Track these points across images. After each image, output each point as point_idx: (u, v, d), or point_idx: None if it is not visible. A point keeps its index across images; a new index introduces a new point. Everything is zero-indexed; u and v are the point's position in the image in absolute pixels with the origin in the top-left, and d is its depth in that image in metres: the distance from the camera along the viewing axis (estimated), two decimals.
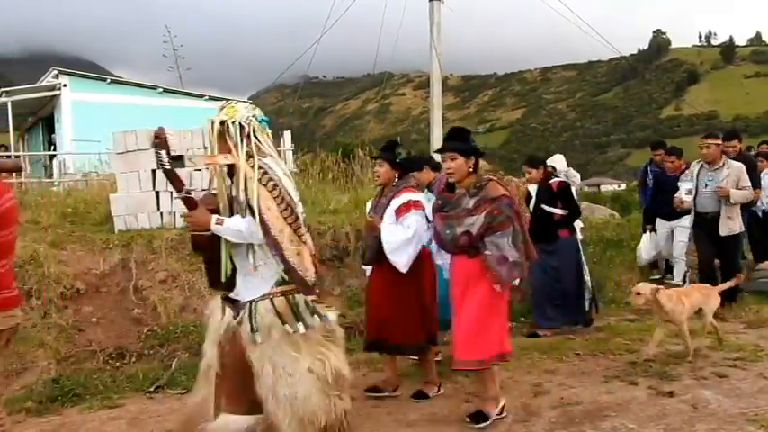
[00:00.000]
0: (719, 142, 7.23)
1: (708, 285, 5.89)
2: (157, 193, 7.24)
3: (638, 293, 5.27)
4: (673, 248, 8.45)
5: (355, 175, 10.53)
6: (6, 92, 17.69)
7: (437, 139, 11.07)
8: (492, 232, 3.96)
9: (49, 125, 20.27)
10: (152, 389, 5.15)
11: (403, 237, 4.47)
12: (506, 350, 4.21)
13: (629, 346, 5.98)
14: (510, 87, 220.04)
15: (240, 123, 3.21)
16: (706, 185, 7.19)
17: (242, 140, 3.18)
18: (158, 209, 7.23)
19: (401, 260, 4.48)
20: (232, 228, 3.11)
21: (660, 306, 5.31)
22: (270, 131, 3.35)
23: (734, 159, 8.89)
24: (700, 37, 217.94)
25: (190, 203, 3.22)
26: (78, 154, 15.30)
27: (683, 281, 8.20)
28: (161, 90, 19.98)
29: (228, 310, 3.22)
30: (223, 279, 3.24)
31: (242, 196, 3.10)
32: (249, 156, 3.16)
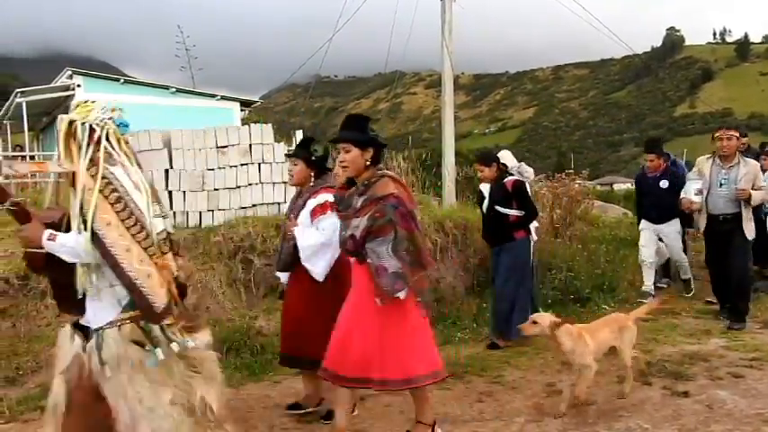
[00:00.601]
0: (738, 135, 6.62)
1: (622, 316, 4.82)
2: (170, 192, 7.27)
3: (535, 322, 4.41)
4: (670, 254, 8.13)
5: None
6: (21, 92, 17.83)
7: (449, 138, 11.05)
8: (372, 237, 3.50)
9: None
10: None
11: (317, 241, 4.12)
12: (413, 374, 3.60)
13: (643, 345, 5.93)
14: (522, 86, 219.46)
15: (90, 125, 2.82)
16: (721, 184, 6.51)
17: (88, 145, 2.78)
18: (171, 208, 7.26)
19: (317, 268, 4.12)
20: (65, 244, 2.74)
21: (558, 344, 4.36)
22: (127, 136, 2.98)
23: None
24: (714, 34, 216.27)
25: (20, 216, 2.81)
26: None
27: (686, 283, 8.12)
28: (173, 90, 20.07)
29: (78, 339, 2.87)
30: (76, 298, 2.87)
31: (76, 209, 2.73)
32: (93, 163, 2.77)
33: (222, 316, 6.25)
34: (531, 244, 6.29)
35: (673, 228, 7.84)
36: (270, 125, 8.08)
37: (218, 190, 7.41)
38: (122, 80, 20.31)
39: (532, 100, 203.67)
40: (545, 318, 4.38)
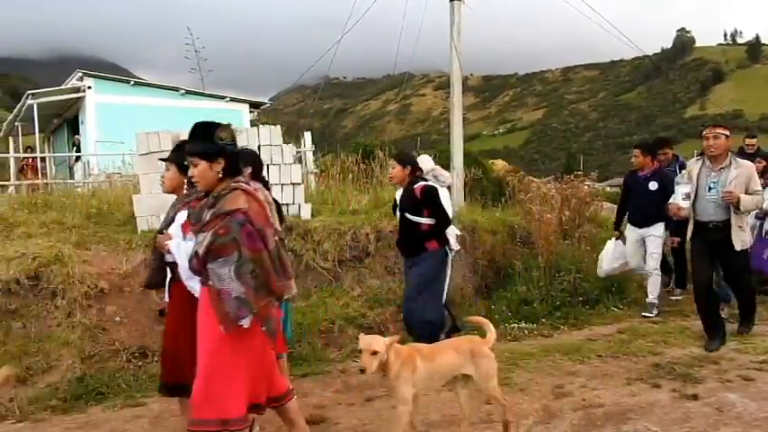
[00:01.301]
0: (728, 133, 5.90)
1: (477, 339, 3.92)
2: None
3: (374, 353, 3.48)
4: (646, 261, 7.46)
5: (375, 175, 10.53)
6: (32, 94, 17.94)
7: (458, 140, 11.03)
8: (214, 257, 3.14)
9: (73, 127, 20.54)
10: None
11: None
12: (229, 416, 3.22)
13: (651, 348, 5.92)
14: (531, 87, 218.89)
15: None
16: (709, 188, 5.86)
17: None
18: None
19: (197, 286, 3.50)
20: None
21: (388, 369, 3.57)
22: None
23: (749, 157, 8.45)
24: (725, 35, 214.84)
25: None
26: (102, 155, 15.49)
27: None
28: (183, 92, 20.14)
29: None
30: None
31: None
32: None
33: None
34: (449, 255, 5.70)
35: (656, 232, 7.34)
36: (279, 127, 8.10)
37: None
38: (132, 82, 20.41)
39: (542, 101, 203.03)
40: (378, 341, 3.54)
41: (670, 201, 6.18)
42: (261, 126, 8.11)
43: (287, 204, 7.73)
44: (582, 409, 4.42)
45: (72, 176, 17.23)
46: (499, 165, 23.03)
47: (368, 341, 3.54)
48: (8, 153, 19.10)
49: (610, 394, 4.69)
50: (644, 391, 4.76)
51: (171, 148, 7.26)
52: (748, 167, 5.88)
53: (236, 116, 19.67)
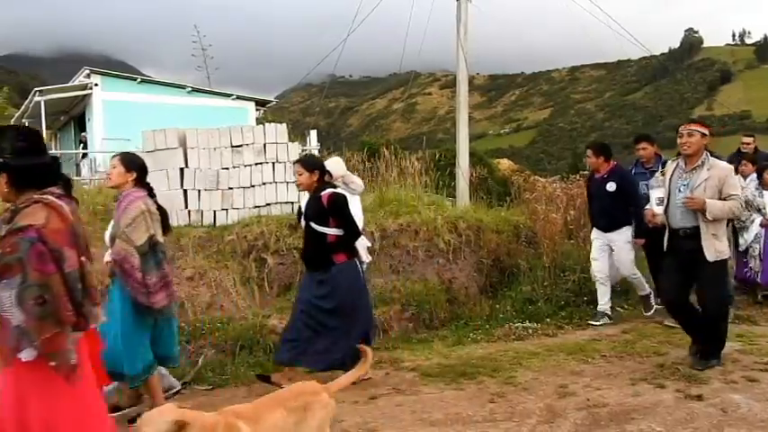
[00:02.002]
0: (706, 132, 5.19)
1: (313, 387, 3.22)
2: (185, 191, 7.32)
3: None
4: (619, 268, 7.05)
5: (380, 174, 10.53)
6: (40, 91, 18.02)
7: (463, 139, 11.04)
8: None
9: (80, 124, 20.62)
10: (179, 384, 5.22)
11: None
12: None
13: (656, 348, 5.90)
14: (537, 87, 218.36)
15: None
16: (680, 191, 5.19)
17: None
18: (186, 207, 7.32)
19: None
20: None
21: None
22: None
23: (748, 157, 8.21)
24: (733, 35, 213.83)
25: None
26: (109, 152, 15.54)
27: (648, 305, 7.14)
28: (189, 89, 20.20)
29: None
30: None
31: None
32: None
33: (235, 314, 6.29)
34: (361, 268, 5.27)
35: (622, 237, 6.90)
36: (284, 125, 8.12)
37: (233, 189, 7.46)
38: (139, 79, 20.47)
39: (548, 101, 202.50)
40: (165, 413, 2.64)
41: (646, 207, 5.52)
42: (267, 124, 8.12)
43: (292, 202, 7.75)
44: (586, 408, 4.41)
45: (79, 173, 17.31)
46: (505, 164, 23.04)
47: (149, 419, 2.62)
48: None
49: (614, 394, 4.68)
50: (648, 391, 4.75)
51: (177, 145, 7.31)
52: (722, 169, 5.16)
53: (242, 114, 19.73)
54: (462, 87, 10.99)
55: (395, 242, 7.45)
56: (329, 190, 5.04)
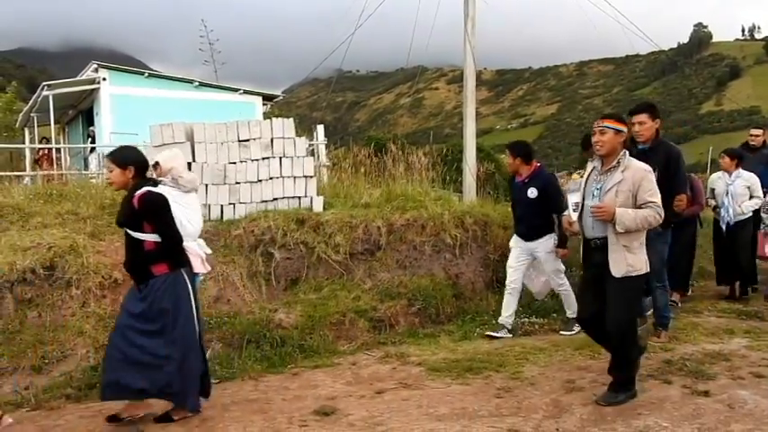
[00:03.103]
0: (621, 128, 4.47)
1: None
2: None
3: None
4: (550, 279, 6.58)
5: (387, 169, 10.53)
6: (48, 85, 18.07)
7: (470, 134, 11.03)
8: None
9: (88, 118, 20.68)
10: None
11: None
12: None
13: (663, 344, 5.90)
14: (545, 82, 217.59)
15: None
16: (593, 195, 4.53)
17: None
18: None
19: None
20: None
21: None
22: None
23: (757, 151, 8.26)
24: (743, 30, 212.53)
25: None
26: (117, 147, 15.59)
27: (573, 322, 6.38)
28: (197, 84, 20.21)
29: None
30: None
31: None
32: None
33: (243, 308, 6.32)
34: (190, 281, 4.42)
35: (544, 248, 6.42)
36: (291, 119, 8.12)
37: (240, 183, 7.47)
38: (147, 74, 20.50)
39: (555, 96, 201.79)
40: None
41: (564, 213, 4.82)
42: (274, 119, 8.13)
43: (299, 197, 7.76)
44: (592, 404, 4.42)
45: (87, 167, 17.36)
46: None
47: None
48: (24, 144, 19.30)
49: None
50: (655, 387, 4.75)
51: (184, 139, 7.32)
52: (637, 171, 4.41)
53: (249, 108, 19.72)
54: (469, 82, 10.97)
55: (401, 237, 7.46)
56: (144, 188, 4.28)
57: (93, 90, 19.05)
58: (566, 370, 5.23)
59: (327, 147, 13.12)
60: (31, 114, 20.38)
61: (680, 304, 7.50)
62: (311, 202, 7.78)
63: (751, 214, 7.87)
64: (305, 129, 13.22)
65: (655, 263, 5.16)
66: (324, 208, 7.78)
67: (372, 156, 10.87)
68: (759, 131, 8.82)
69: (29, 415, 4.61)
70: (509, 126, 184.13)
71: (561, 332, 6.51)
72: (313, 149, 11.89)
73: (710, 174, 10.68)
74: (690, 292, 8.20)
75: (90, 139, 19.25)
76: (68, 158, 19.97)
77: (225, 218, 7.36)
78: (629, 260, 4.38)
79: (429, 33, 12.61)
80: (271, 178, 7.66)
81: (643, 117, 5.59)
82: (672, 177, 5.60)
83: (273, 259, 6.89)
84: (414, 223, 7.60)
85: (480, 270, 7.84)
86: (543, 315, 7.01)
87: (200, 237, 4.68)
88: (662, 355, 5.55)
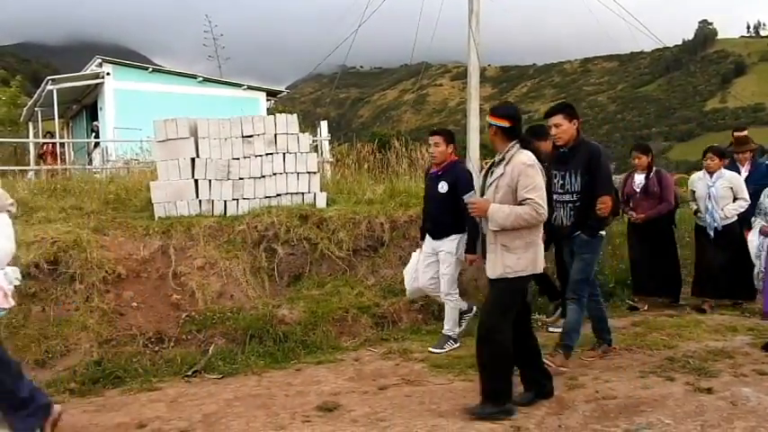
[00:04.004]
0: (498, 123, 4.23)
1: None
2: (196, 181, 7.34)
3: None
4: (442, 283, 5.92)
5: (391, 165, 10.54)
6: (52, 80, 18.10)
7: (474, 131, 11.01)
8: None
9: (92, 113, 20.72)
10: (190, 373, 5.27)
11: None
12: None
13: (666, 341, 5.89)
14: (549, 78, 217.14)
15: None
16: (487, 189, 4.32)
17: None
18: (197, 196, 7.34)
19: None
20: None
21: None
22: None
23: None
24: (748, 27, 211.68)
25: None
26: (120, 141, 15.63)
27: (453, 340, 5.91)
28: (201, 79, 20.25)
29: None
30: None
31: None
32: None
33: (246, 304, 6.32)
34: None
35: (447, 247, 5.82)
36: (295, 115, 8.12)
37: (243, 179, 7.48)
38: (151, 69, 20.53)
39: (560, 93, 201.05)
40: None
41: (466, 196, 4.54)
42: (278, 114, 8.13)
43: (303, 193, 7.76)
44: (595, 401, 4.42)
45: (90, 162, 17.41)
46: None
47: None
48: (28, 138, 19.34)
49: (623, 387, 4.68)
50: (657, 383, 4.74)
51: (188, 135, 7.33)
52: (516, 166, 4.09)
53: (253, 104, 19.76)
54: (473, 79, 10.93)
55: (404, 233, 7.46)
56: None
57: (97, 85, 19.09)
58: (568, 367, 5.22)
59: (331, 143, 13.13)
60: (36, 109, 20.42)
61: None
62: (314, 199, 7.78)
63: (737, 218, 7.14)
64: (308, 125, 13.24)
65: (574, 273, 5.07)
66: (327, 204, 7.79)
67: (376, 152, 10.88)
68: (743, 133, 8.24)
69: None
70: None
71: (430, 349, 5.79)
72: (316, 145, 11.90)
73: None
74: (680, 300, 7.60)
75: (93, 134, 19.29)
76: (72, 153, 20.02)
77: (228, 213, 7.36)
78: (506, 260, 4.10)
79: (433, 29, 12.58)
80: (274, 174, 7.66)
81: (558, 119, 5.12)
82: (593, 178, 5.08)
83: (276, 255, 6.90)
84: (417, 220, 7.59)
85: (483, 267, 7.83)
86: (545, 312, 7.00)
87: (11, 264, 3.85)
88: (665, 352, 5.54)
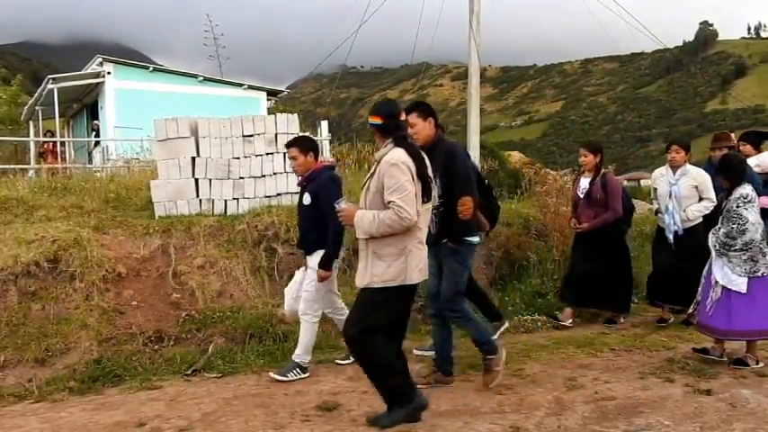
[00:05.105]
0: (414, 122, 4.36)
1: None
2: (197, 180, 7.35)
3: None
4: (303, 300, 5.18)
5: None
6: (53, 79, 18.10)
7: (474, 131, 11.02)
8: None
9: (93, 112, 20.72)
10: (189, 372, 5.27)
11: None
12: None
13: (665, 342, 5.90)
14: (549, 79, 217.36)
15: None
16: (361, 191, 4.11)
17: None
18: (197, 195, 7.35)
19: None
20: None
21: None
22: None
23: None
24: (748, 29, 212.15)
25: None
26: (121, 141, 15.63)
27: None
28: (201, 78, 20.24)
29: None
30: None
31: None
32: None
33: (245, 303, 6.32)
34: None
35: (312, 263, 5.14)
36: (296, 115, 8.12)
37: (244, 178, 7.48)
38: (151, 68, 20.53)
39: (560, 93, 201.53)
40: None
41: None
42: (278, 114, 8.13)
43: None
44: (594, 401, 4.42)
45: (91, 161, 17.41)
46: (515, 157, 22.91)
47: None
48: (28, 137, 19.33)
49: (622, 388, 4.68)
50: (657, 385, 4.75)
51: (188, 134, 7.33)
52: (383, 165, 3.79)
53: (253, 104, 19.75)
54: (474, 79, 10.95)
55: None
56: None
57: (97, 84, 19.08)
58: (567, 368, 5.23)
59: (331, 143, 13.12)
60: (36, 108, 20.42)
61: (622, 320, 6.74)
62: None
63: (701, 220, 6.35)
64: (309, 124, 13.25)
65: (444, 290, 4.76)
66: None
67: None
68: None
69: (31, 407, 4.63)
70: (513, 123, 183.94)
71: (271, 374, 5.10)
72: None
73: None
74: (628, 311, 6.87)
75: (94, 133, 19.29)
76: (72, 152, 20.02)
77: (229, 212, 7.37)
78: (374, 269, 3.77)
79: (434, 30, 12.60)
80: (275, 173, 7.66)
81: (412, 118, 4.64)
82: (451, 179, 4.63)
83: (276, 254, 6.90)
84: None
85: (483, 267, 7.83)
86: (546, 313, 7.00)
87: None
88: (664, 353, 5.55)
